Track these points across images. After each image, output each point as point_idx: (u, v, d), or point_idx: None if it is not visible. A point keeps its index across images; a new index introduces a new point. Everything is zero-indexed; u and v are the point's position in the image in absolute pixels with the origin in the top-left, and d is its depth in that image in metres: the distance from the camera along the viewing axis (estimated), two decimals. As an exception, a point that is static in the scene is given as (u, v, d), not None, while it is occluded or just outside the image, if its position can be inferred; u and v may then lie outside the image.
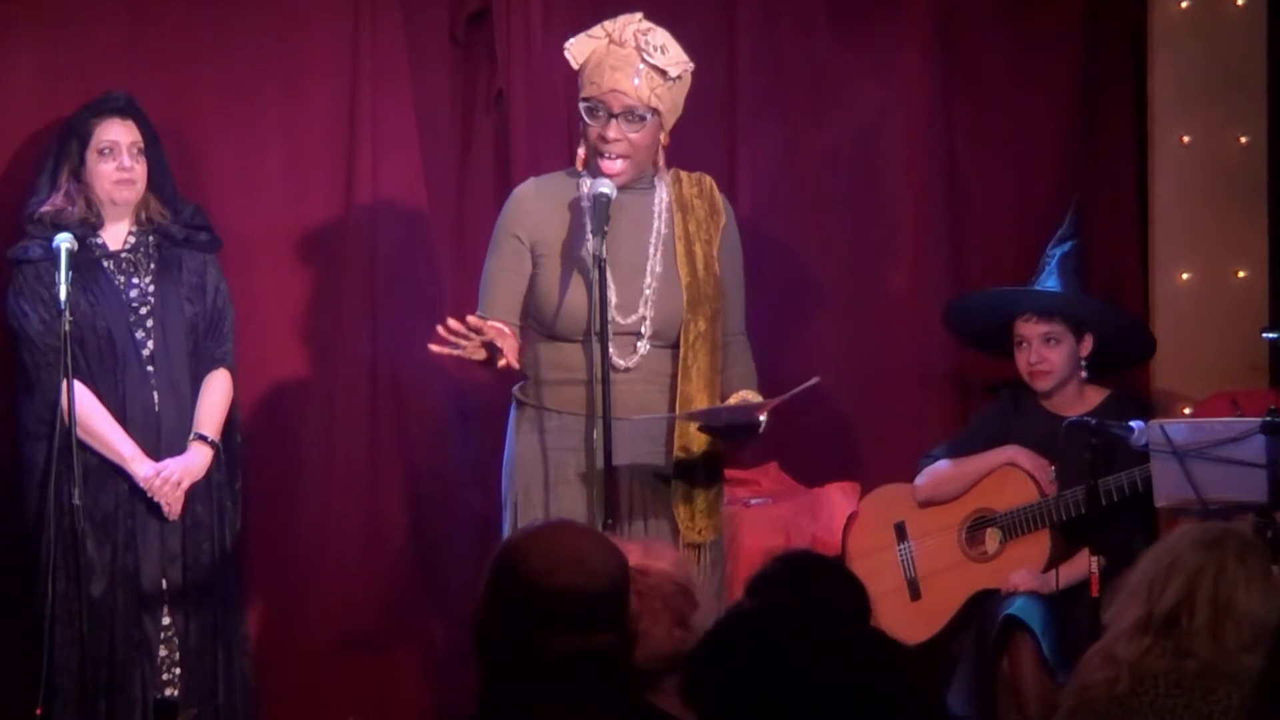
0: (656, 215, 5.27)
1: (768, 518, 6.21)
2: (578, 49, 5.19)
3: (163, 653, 5.72)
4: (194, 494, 5.75)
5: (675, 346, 5.21)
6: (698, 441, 5.20)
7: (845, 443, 6.53)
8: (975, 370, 6.46)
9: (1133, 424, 5.61)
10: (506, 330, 5.13)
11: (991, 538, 5.97)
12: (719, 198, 5.37)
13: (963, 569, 5.97)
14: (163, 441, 5.75)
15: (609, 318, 5.09)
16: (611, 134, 5.15)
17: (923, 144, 6.54)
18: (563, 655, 3.11)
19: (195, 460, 5.75)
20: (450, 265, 6.38)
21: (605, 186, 5.12)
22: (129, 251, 5.82)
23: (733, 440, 5.30)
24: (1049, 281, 6.04)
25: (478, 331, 4.94)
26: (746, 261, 5.45)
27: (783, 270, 6.45)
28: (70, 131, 5.80)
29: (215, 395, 5.84)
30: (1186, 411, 6.25)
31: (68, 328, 5.40)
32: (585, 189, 5.21)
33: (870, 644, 2.90)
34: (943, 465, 6.04)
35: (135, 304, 5.79)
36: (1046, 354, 5.97)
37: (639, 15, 5.22)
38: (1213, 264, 6.46)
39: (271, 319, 6.27)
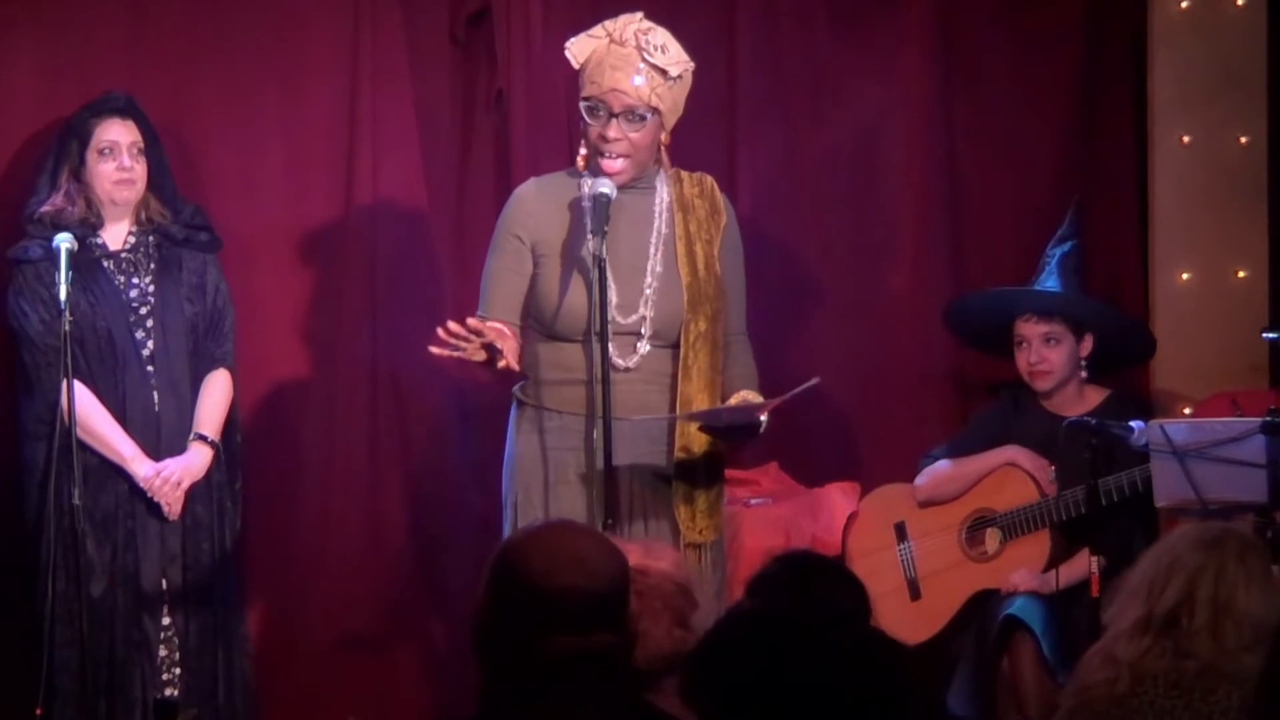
0: (657, 215, 5.27)
1: (768, 518, 6.21)
2: (578, 48, 5.19)
3: (163, 653, 5.72)
4: (194, 494, 5.75)
5: (675, 346, 5.21)
6: (698, 442, 5.20)
7: (845, 443, 6.53)
8: (975, 370, 6.46)
9: (1133, 424, 5.61)
10: (506, 331, 5.13)
11: (991, 538, 5.97)
12: (720, 197, 5.37)
13: (963, 569, 5.97)
14: (163, 441, 5.75)
15: (609, 318, 5.09)
16: (612, 133, 5.15)
17: (923, 144, 6.54)
18: (563, 655, 3.11)
19: (195, 460, 5.75)
20: (450, 265, 6.37)
21: (605, 186, 5.12)
22: (129, 251, 5.83)
23: (733, 440, 5.30)
24: (1049, 281, 6.04)
25: (477, 334, 4.94)
26: (747, 261, 5.45)
27: (783, 270, 6.45)
28: (70, 131, 5.80)
29: (215, 395, 5.84)
30: (1186, 411, 6.25)
31: (68, 328, 5.40)
32: (586, 189, 5.21)
33: (870, 644, 2.90)
34: (943, 465, 6.04)
35: (135, 304, 5.79)
36: (1046, 354, 5.97)
37: (639, 15, 5.22)
38: (1213, 264, 6.46)
39: (271, 319, 6.27)
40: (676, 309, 5.20)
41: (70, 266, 5.46)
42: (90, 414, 5.64)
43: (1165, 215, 6.50)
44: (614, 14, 5.23)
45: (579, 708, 3.11)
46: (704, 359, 5.21)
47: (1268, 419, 5.31)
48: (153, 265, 5.83)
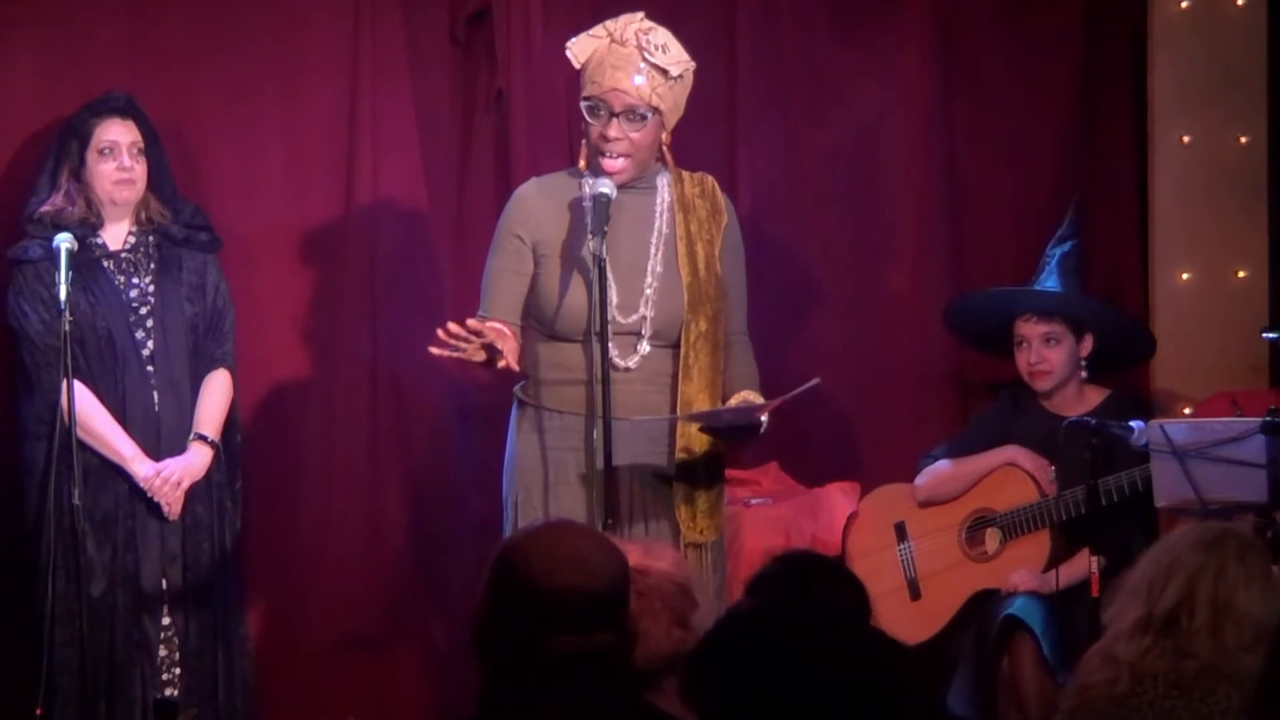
0: (658, 215, 5.27)
1: (768, 518, 6.21)
2: (579, 48, 5.20)
3: (163, 653, 5.72)
4: (194, 494, 5.75)
5: (676, 346, 5.21)
6: (699, 442, 5.21)
7: (845, 443, 6.53)
8: (975, 370, 6.46)
9: (1133, 424, 5.61)
10: (506, 331, 5.13)
11: (991, 538, 5.97)
12: (721, 198, 5.37)
13: (963, 569, 5.97)
14: (163, 441, 5.75)
15: (609, 317, 5.09)
16: (613, 133, 5.15)
17: (923, 144, 6.54)
18: (563, 655, 3.11)
19: (195, 460, 5.75)
20: (450, 265, 6.37)
21: (605, 186, 5.12)
22: (129, 251, 5.83)
23: (734, 441, 5.30)
24: (1049, 281, 6.04)
25: (477, 334, 4.94)
26: (747, 261, 5.45)
27: (783, 270, 6.45)
28: (70, 131, 5.80)
29: (215, 395, 5.84)
30: (1186, 411, 6.25)
31: (68, 328, 5.40)
32: (587, 189, 5.21)
33: (870, 644, 2.90)
34: (943, 465, 6.04)
35: (135, 304, 5.79)
36: (1046, 354, 5.97)
37: (640, 14, 5.22)
38: (1213, 264, 6.46)
39: (271, 319, 6.27)
40: (677, 309, 5.20)
41: (70, 266, 5.46)
42: (90, 414, 5.64)
43: (1165, 215, 6.49)
44: (614, 14, 5.24)
45: (579, 708, 3.12)
46: (704, 359, 5.21)
47: (1268, 419, 5.31)
48: (153, 265, 5.83)
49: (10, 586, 5.82)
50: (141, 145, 5.81)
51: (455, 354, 4.96)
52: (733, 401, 5.22)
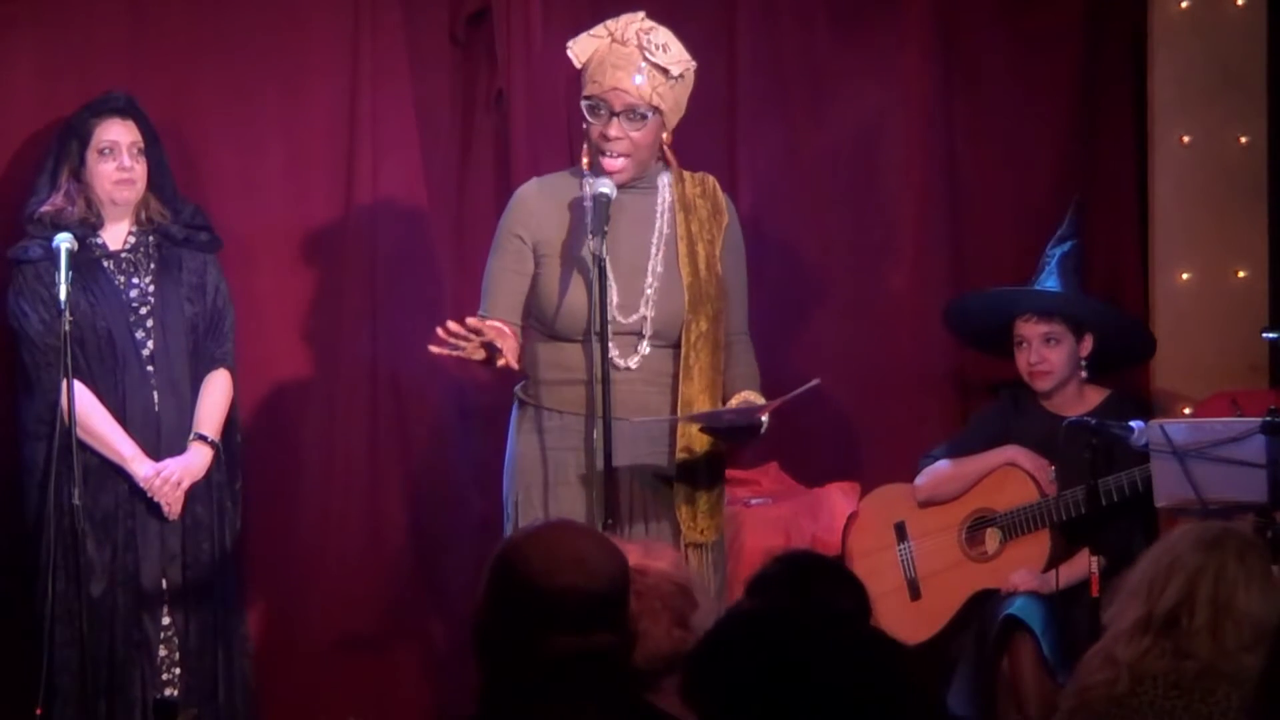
0: (659, 215, 5.27)
1: (768, 518, 6.21)
2: (580, 48, 5.20)
3: (163, 653, 5.72)
4: (194, 494, 5.75)
5: (676, 346, 5.21)
6: (700, 442, 5.21)
7: (845, 443, 6.53)
8: (975, 370, 6.46)
9: (1133, 424, 5.61)
10: (506, 330, 5.13)
11: (991, 538, 5.97)
12: (722, 198, 5.37)
13: (963, 569, 5.97)
14: (163, 441, 5.75)
15: (610, 317, 5.09)
16: (613, 132, 5.16)
17: (923, 144, 6.54)
18: (563, 655, 3.11)
19: (195, 460, 5.75)
20: (450, 265, 6.37)
21: (605, 186, 5.12)
22: (129, 251, 5.83)
23: (734, 441, 5.30)
24: (1049, 281, 6.04)
25: (476, 333, 4.94)
26: (747, 261, 5.44)
27: (783, 270, 6.45)
28: (70, 131, 5.80)
29: (215, 395, 5.84)
30: (1186, 411, 6.25)
31: (68, 328, 5.40)
32: (587, 189, 5.21)
33: (870, 644, 2.90)
34: (943, 465, 6.04)
35: (135, 304, 5.79)
36: (1046, 354, 5.97)
37: (641, 14, 5.23)
38: (1213, 264, 6.46)
39: (271, 319, 6.27)
40: (677, 309, 5.20)
41: (70, 266, 5.46)
42: (90, 414, 5.64)
43: (1165, 215, 6.49)
44: (614, 14, 5.24)
45: (579, 708, 3.12)
46: (705, 359, 5.21)
47: (1268, 419, 5.31)
48: (153, 265, 5.83)
49: (10, 586, 5.82)
50: (141, 145, 5.81)
51: (455, 353, 4.96)
52: (733, 402, 5.22)
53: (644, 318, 5.20)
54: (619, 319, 5.17)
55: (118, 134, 5.78)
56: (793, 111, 6.54)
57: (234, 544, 5.88)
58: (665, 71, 5.16)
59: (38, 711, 5.48)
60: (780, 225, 6.49)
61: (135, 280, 5.81)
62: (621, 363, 5.17)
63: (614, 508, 5.04)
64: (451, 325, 4.93)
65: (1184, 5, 6.45)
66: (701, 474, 5.24)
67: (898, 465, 6.25)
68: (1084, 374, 6.02)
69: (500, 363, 5.01)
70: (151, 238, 5.85)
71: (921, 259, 6.53)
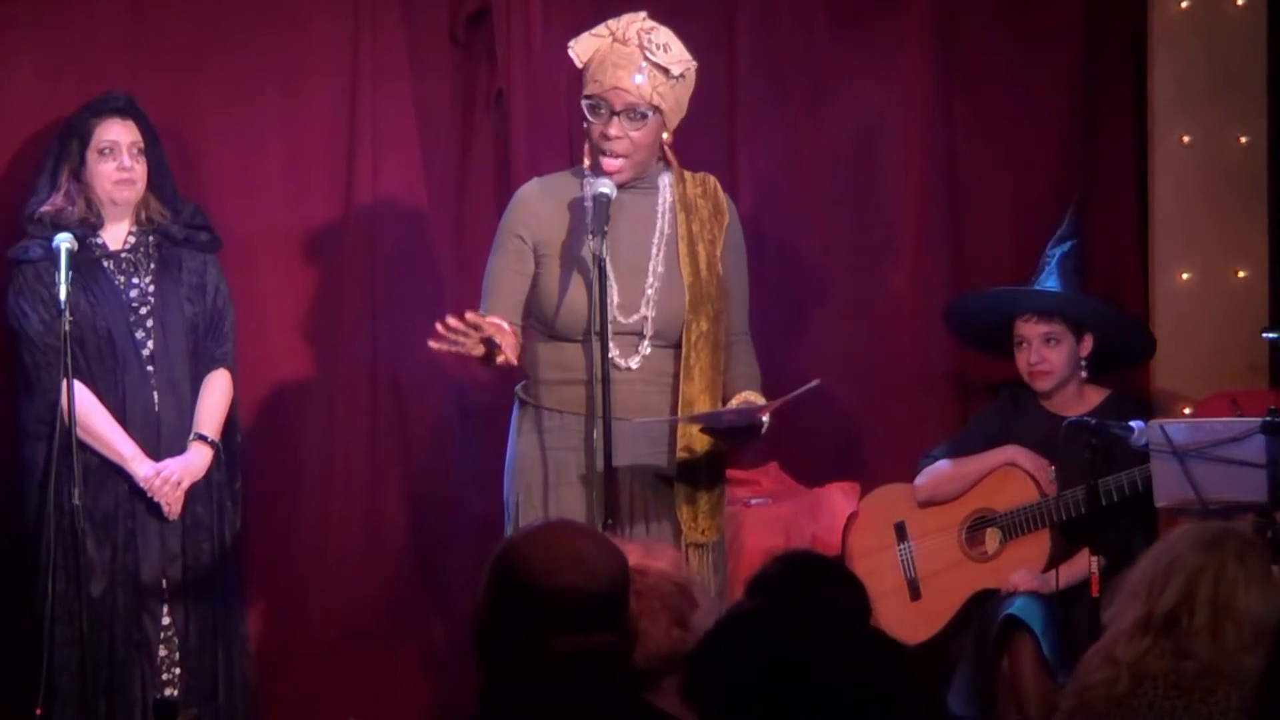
0: (660, 215, 5.27)
1: (768, 518, 6.21)
2: (582, 47, 5.20)
3: (162, 653, 5.72)
4: (194, 494, 5.75)
5: (677, 347, 5.21)
6: (700, 442, 5.21)
7: (845, 443, 6.53)
8: (975, 370, 6.46)
9: (1133, 424, 5.61)
10: (505, 326, 5.12)
11: (991, 538, 5.97)
12: (723, 198, 5.37)
13: (963, 569, 5.97)
14: (163, 441, 5.75)
15: (610, 317, 5.09)
16: (613, 131, 5.16)
17: (923, 144, 6.54)
18: (563, 655, 3.11)
19: (195, 460, 5.75)
20: (450, 265, 6.37)
21: (605, 186, 5.12)
22: (129, 251, 5.83)
23: (735, 441, 5.30)
24: (1049, 281, 6.04)
25: (475, 328, 4.94)
26: (747, 261, 5.44)
27: (783, 270, 6.45)
28: (70, 131, 5.80)
29: (215, 395, 5.84)
30: (1186, 411, 6.25)
31: (68, 328, 5.40)
32: (588, 189, 5.21)
33: (870, 644, 2.90)
34: (943, 465, 6.04)
35: (135, 304, 5.79)
36: (1046, 354, 5.97)
37: (643, 14, 5.23)
38: (1213, 264, 6.46)
39: (271, 319, 6.27)
40: (678, 309, 5.20)
41: (70, 266, 5.46)
42: (90, 414, 5.64)
43: (1165, 215, 6.50)
44: (614, 14, 5.24)
45: (579, 708, 3.12)
46: (706, 359, 5.21)
47: (1268, 419, 5.31)
48: (153, 265, 5.83)
49: (10, 586, 5.82)
50: (141, 145, 5.81)
51: (454, 348, 4.96)
52: (734, 402, 5.22)
53: (645, 318, 5.20)
54: (620, 319, 5.17)
55: (118, 134, 5.78)
56: (793, 111, 6.54)
57: (234, 544, 5.88)
58: (666, 71, 5.16)
59: (38, 711, 5.48)
60: (780, 225, 6.49)
61: (135, 280, 5.81)
62: (622, 363, 5.17)
63: (614, 508, 5.04)
64: (450, 320, 4.92)
65: (1184, 5, 6.45)
66: (702, 474, 5.24)
67: (898, 465, 6.25)
68: (1084, 374, 6.02)
69: (500, 359, 5.01)
70: (151, 238, 5.85)
71: (921, 259, 6.53)
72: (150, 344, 5.77)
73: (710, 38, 6.27)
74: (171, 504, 5.70)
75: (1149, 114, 6.51)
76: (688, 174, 5.34)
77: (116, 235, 5.82)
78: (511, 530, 5.16)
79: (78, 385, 5.51)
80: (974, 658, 5.81)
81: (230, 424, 5.88)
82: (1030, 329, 5.98)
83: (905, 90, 6.54)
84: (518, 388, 5.32)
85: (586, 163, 5.25)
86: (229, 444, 5.86)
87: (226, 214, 6.10)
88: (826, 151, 6.55)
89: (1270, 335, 5.89)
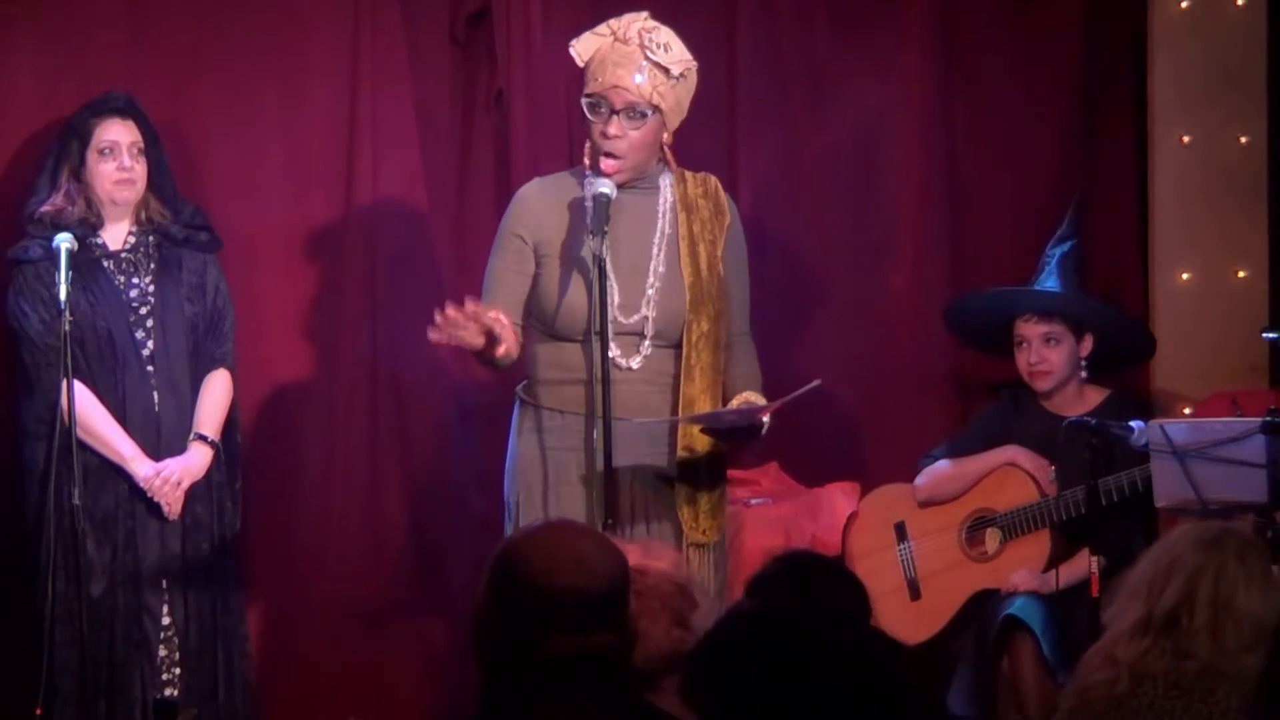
0: (660, 215, 5.27)
1: (768, 518, 6.21)
2: (583, 46, 5.20)
3: (162, 653, 5.73)
4: (194, 494, 5.75)
5: (678, 347, 5.21)
6: (701, 442, 5.21)
7: (846, 443, 6.53)
8: (975, 370, 6.46)
9: (1133, 424, 5.61)
10: (504, 319, 5.12)
11: (991, 538, 5.97)
12: (724, 198, 5.37)
13: (963, 569, 5.97)
14: (163, 441, 5.75)
15: (611, 317, 5.09)
16: (613, 130, 5.16)
17: (923, 144, 6.54)
18: (563, 655, 3.11)
19: (195, 460, 5.75)
20: (450, 265, 6.37)
21: (605, 186, 5.12)
22: (129, 251, 5.83)
23: (735, 442, 5.30)
24: (1049, 281, 6.04)
25: (474, 318, 4.93)
26: (748, 261, 5.45)
27: (783, 270, 6.45)
28: (70, 131, 5.80)
29: (215, 395, 5.84)
30: (1186, 411, 6.25)
31: (68, 328, 5.40)
32: (588, 189, 5.21)
33: (870, 644, 2.90)
34: (943, 465, 6.04)
35: (135, 304, 5.79)
36: (1046, 354, 5.97)
37: (645, 14, 5.23)
38: (1213, 264, 6.46)
39: (271, 319, 6.27)
40: (679, 309, 5.20)
41: (70, 266, 5.46)
42: (90, 414, 5.64)
43: (1165, 215, 6.50)
44: (615, 14, 5.24)
45: (579, 708, 3.12)
46: (706, 359, 5.21)
47: (1268, 419, 5.31)
48: (153, 265, 5.83)
49: (10, 586, 5.82)
50: (141, 145, 5.81)
51: (453, 339, 4.96)
52: (734, 403, 5.22)
53: (645, 318, 5.20)
54: (620, 319, 5.17)
55: (118, 134, 5.78)
56: (793, 111, 6.54)
57: (234, 544, 5.88)
58: (666, 71, 5.16)
59: (38, 711, 5.48)
60: (780, 225, 6.49)
61: (135, 280, 5.81)
62: (623, 363, 5.17)
63: (614, 508, 5.04)
64: (450, 310, 4.92)
65: (1184, 5, 6.45)
66: (703, 474, 5.24)
67: (898, 465, 6.25)
68: (1084, 374, 6.02)
69: (500, 350, 5.00)
70: (151, 238, 5.85)
71: (921, 259, 6.53)
72: (150, 344, 5.77)
73: (710, 38, 6.27)
74: (171, 504, 5.70)
75: (1149, 114, 6.51)
76: (688, 174, 5.34)
77: (116, 235, 5.82)
78: (511, 530, 5.16)
79: (78, 385, 5.51)
80: (974, 658, 5.81)
81: (230, 424, 5.88)
82: (1030, 329, 5.98)
83: (905, 90, 6.54)
84: (518, 388, 5.32)
85: (587, 163, 5.25)
86: (229, 444, 5.86)
87: (226, 214, 6.10)
88: (826, 151, 6.55)
89: (1270, 335, 5.89)
